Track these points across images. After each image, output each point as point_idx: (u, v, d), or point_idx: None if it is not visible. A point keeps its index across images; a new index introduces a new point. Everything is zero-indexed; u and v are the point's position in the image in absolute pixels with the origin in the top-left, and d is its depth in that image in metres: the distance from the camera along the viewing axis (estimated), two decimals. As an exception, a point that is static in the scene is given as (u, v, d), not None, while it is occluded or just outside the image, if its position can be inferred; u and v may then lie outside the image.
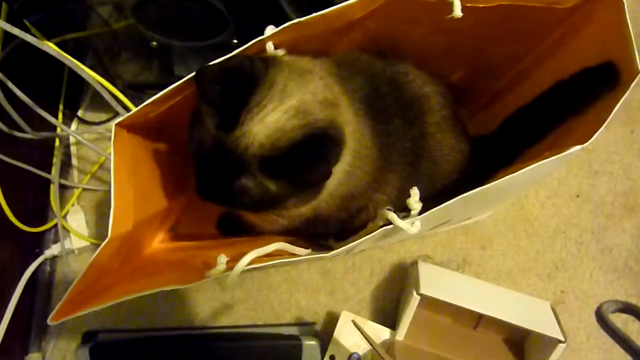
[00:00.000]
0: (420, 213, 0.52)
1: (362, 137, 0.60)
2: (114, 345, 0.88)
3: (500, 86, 0.82)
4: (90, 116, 0.99)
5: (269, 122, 0.51)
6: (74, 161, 0.98)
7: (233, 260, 0.53)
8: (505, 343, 0.88)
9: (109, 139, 0.95)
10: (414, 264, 0.91)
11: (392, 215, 0.51)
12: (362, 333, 0.78)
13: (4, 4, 0.70)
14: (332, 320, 0.92)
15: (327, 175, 0.52)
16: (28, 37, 0.59)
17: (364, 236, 0.53)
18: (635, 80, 0.52)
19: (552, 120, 0.65)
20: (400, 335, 0.83)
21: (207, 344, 0.88)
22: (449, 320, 0.89)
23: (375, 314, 0.94)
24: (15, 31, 0.59)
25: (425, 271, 0.86)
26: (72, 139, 0.97)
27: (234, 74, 0.52)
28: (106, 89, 0.67)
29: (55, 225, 0.93)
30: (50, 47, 0.62)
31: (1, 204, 0.78)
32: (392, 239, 0.68)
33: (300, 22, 0.54)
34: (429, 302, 0.81)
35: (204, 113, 0.54)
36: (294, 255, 0.57)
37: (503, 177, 0.52)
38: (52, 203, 0.93)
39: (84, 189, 0.97)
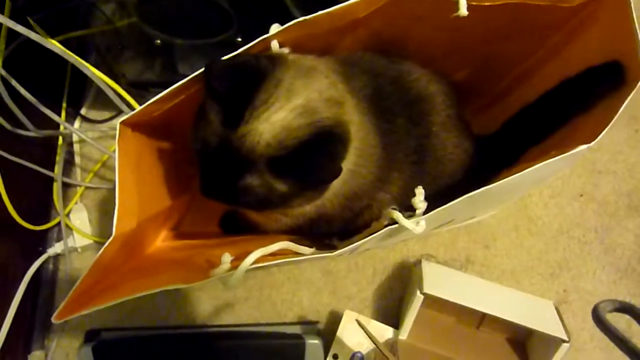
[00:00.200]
0: (425, 212, 0.52)
1: (366, 136, 0.60)
2: (117, 344, 0.88)
3: (504, 85, 0.82)
4: (93, 114, 0.99)
5: (275, 120, 0.51)
6: (77, 159, 0.98)
7: (237, 259, 0.53)
8: (508, 342, 0.88)
9: (112, 137, 0.98)
10: (418, 263, 0.91)
11: (397, 215, 0.51)
12: (366, 332, 0.78)
13: (7, 1, 0.70)
14: (334, 319, 0.92)
15: (338, 173, 0.52)
16: (32, 35, 0.59)
17: (368, 235, 0.53)
18: (642, 80, 0.52)
19: (556, 119, 0.65)
20: (404, 334, 0.83)
21: (209, 342, 0.88)
22: (452, 319, 0.89)
23: (378, 313, 0.94)
24: (20, 29, 0.59)
25: (429, 270, 0.86)
26: (75, 137, 0.97)
27: (242, 71, 0.52)
28: (110, 87, 0.67)
29: (58, 223, 0.93)
30: (55, 45, 0.62)
31: (4, 202, 0.78)
32: (396, 238, 0.67)
33: (305, 20, 0.54)
34: (432, 302, 0.81)
35: (209, 110, 0.54)
36: (298, 254, 0.57)
37: (507, 176, 0.52)
38: (55, 201, 0.93)
39: (86, 187, 0.97)
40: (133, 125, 0.59)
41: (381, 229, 0.53)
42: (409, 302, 0.83)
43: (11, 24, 0.59)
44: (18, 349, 0.87)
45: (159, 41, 0.76)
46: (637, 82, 0.52)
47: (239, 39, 0.74)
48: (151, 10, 0.72)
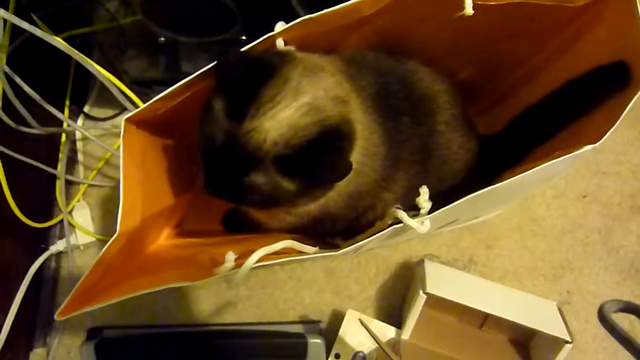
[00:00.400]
0: (429, 212, 0.52)
1: (371, 135, 0.60)
2: (119, 342, 0.88)
3: (508, 85, 0.82)
4: (96, 112, 0.99)
5: (281, 118, 0.51)
6: (80, 157, 0.98)
7: (240, 258, 0.53)
8: (511, 343, 0.88)
9: (115, 135, 0.98)
10: (420, 263, 0.90)
11: (402, 214, 0.51)
12: (369, 331, 0.78)
13: (11, -2, 0.70)
14: (337, 318, 0.92)
15: (348, 170, 0.52)
16: (38, 32, 0.59)
17: (372, 234, 0.53)
18: (647, 80, 0.52)
19: (561, 119, 0.65)
20: (406, 334, 0.83)
21: (211, 341, 0.88)
22: (454, 319, 0.89)
23: (380, 313, 0.94)
24: (25, 25, 0.59)
25: (432, 270, 0.86)
26: (78, 135, 0.97)
27: (253, 64, 0.52)
28: (114, 84, 0.67)
29: (61, 221, 0.93)
30: (60, 42, 0.62)
31: (7, 199, 0.78)
32: (400, 237, 0.67)
33: (311, 18, 0.54)
34: (435, 301, 0.81)
35: (216, 104, 0.53)
36: (302, 253, 0.57)
37: (512, 176, 0.52)
38: (58, 199, 0.93)
39: (89, 185, 0.97)
40: (138, 122, 0.59)
41: (385, 229, 0.53)
42: (411, 301, 0.82)
43: (16, 21, 0.59)
44: (20, 346, 0.87)
45: (163, 39, 0.76)
46: (644, 82, 0.52)
47: (243, 37, 0.74)
48: (156, 7, 0.72)
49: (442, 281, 0.83)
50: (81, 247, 0.94)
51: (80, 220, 0.94)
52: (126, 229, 0.56)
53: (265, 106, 0.51)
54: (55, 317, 0.51)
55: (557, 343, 0.77)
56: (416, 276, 0.90)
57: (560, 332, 0.78)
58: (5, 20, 0.62)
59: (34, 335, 0.91)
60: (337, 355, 0.84)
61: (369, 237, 0.53)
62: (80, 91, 0.98)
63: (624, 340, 0.47)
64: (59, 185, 0.92)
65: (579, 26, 0.65)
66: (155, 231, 0.75)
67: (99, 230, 0.95)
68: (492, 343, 0.87)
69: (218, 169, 0.55)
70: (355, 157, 0.57)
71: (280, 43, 0.57)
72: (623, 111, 0.51)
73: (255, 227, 0.72)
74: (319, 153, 0.51)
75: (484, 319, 0.87)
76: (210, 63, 0.54)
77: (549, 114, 0.68)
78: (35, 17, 0.69)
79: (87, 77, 0.98)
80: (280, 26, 0.56)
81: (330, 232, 0.70)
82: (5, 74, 0.69)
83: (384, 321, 0.88)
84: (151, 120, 0.60)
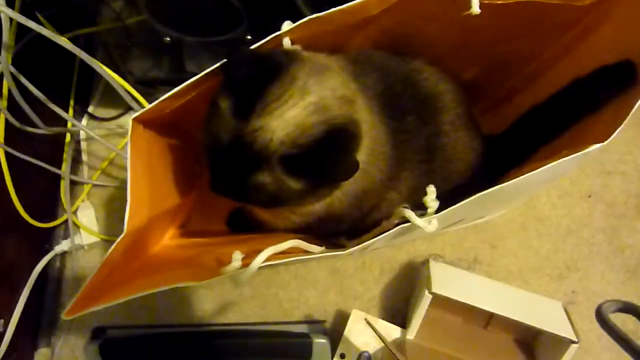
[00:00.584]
0: (435, 212, 0.52)
1: (376, 135, 0.60)
2: (124, 342, 0.88)
3: (513, 84, 0.81)
4: (101, 112, 0.99)
5: (288, 117, 0.51)
6: (84, 157, 0.98)
7: (246, 257, 0.53)
8: (516, 343, 0.88)
9: (119, 135, 0.98)
10: (425, 263, 0.90)
11: (409, 213, 0.51)
12: (375, 331, 0.78)
13: (17, -2, 0.70)
14: (341, 318, 0.92)
15: (355, 169, 0.52)
16: (44, 31, 0.59)
17: (379, 234, 0.53)
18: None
19: (567, 119, 0.65)
20: (411, 334, 0.83)
21: (215, 341, 0.88)
22: (459, 319, 0.89)
23: (385, 313, 0.94)
24: (32, 24, 0.59)
25: (437, 270, 0.86)
26: (82, 135, 0.97)
27: (261, 62, 0.52)
28: (120, 84, 0.67)
29: (66, 221, 0.93)
30: (66, 42, 0.62)
31: (12, 199, 0.78)
32: (406, 237, 0.67)
33: (318, 17, 0.54)
34: (440, 301, 0.81)
35: (222, 103, 0.53)
36: (308, 252, 0.57)
37: (517, 176, 0.51)
38: (63, 199, 0.93)
39: (94, 185, 0.97)
40: (144, 121, 0.59)
41: (392, 228, 0.53)
42: (416, 301, 0.82)
43: (23, 20, 0.59)
44: (25, 346, 0.87)
45: (168, 38, 0.76)
46: (650, 82, 0.52)
47: (249, 37, 0.74)
48: (161, 7, 0.72)
49: (447, 281, 0.83)
50: (85, 247, 0.94)
51: (85, 220, 0.94)
52: (132, 228, 0.56)
53: (271, 105, 0.51)
54: (63, 316, 0.51)
55: (562, 343, 0.77)
56: (421, 276, 0.90)
57: (566, 332, 0.78)
58: (11, 20, 0.62)
59: (38, 335, 0.91)
60: (342, 355, 0.84)
61: (376, 236, 0.53)
62: (84, 91, 0.98)
63: (622, 340, 0.47)
64: (64, 185, 0.92)
65: (585, 25, 0.65)
66: (160, 231, 0.75)
67: (104, 230, 0.95)
68: (497, 343, 0.87)
69: (224, 168, 0.55)
70: (361, 156, 0.57)
71: (287, 42, 0.57)
72: (630, 110, 0.50)
73: (260, 227, 0.72)
74: (326, 152, 0.51)
75: (489, 319, 0.87)
76: (215, 63, 0.54)
77: (554, 114, 0.68)
78: (40, 17, 0.70)
79: (91, 77, 0.98)
80: (287, 25, 0.56)
81: (335, 232, 0.70)
82: (11, 74, 0.69)
83: (388, 321, 0.88)
84: (157, 120, 0.60)
